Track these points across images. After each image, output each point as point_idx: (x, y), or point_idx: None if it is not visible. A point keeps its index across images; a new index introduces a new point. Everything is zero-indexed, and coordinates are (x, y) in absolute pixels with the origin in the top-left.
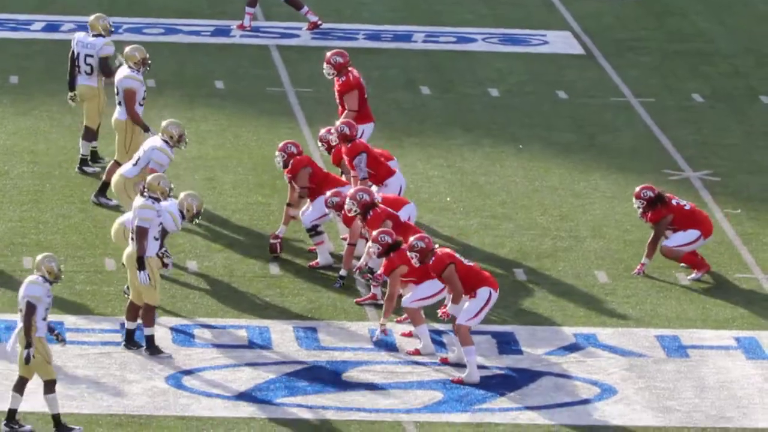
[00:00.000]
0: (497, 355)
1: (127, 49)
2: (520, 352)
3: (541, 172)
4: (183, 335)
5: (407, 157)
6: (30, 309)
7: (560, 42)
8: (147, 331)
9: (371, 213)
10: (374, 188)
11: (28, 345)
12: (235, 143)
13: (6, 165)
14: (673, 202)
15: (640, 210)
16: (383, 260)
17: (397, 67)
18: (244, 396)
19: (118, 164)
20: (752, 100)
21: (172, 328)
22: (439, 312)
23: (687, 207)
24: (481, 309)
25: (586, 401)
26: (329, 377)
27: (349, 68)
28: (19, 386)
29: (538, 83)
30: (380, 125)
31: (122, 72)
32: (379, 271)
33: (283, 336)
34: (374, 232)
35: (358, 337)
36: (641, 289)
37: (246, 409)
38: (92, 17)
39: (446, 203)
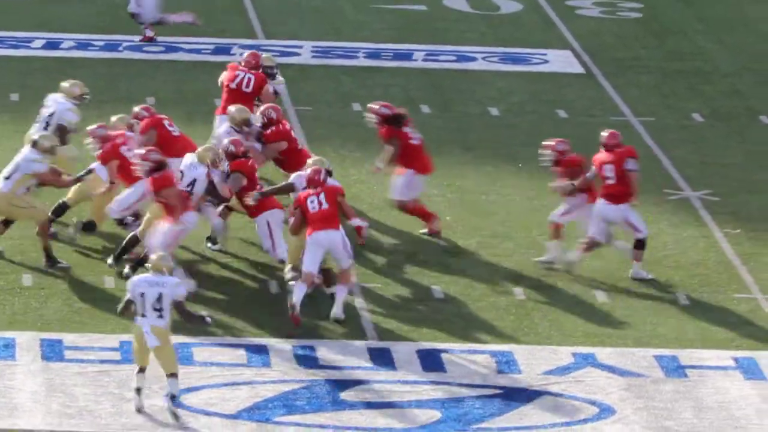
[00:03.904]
0: (496, 374)
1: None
2: (518, 371)
3: (540, 191)
4: (182, 354)
5: None
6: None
7: (560, 61)
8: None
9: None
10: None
11: None
12: None
13: None
14: (407, 131)
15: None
16: None
17: (398, 85)
18: (243, 414)
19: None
20: (752, 120)
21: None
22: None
23: (415, 142)
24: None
25: (584, 421)
26: (327, 396)
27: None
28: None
29: (539, 102)
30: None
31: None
32: None
33: (281, 354)
34: None
35: (357, 355)
36: (640, 309)
37: (244, 428)
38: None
39: (446, 222)
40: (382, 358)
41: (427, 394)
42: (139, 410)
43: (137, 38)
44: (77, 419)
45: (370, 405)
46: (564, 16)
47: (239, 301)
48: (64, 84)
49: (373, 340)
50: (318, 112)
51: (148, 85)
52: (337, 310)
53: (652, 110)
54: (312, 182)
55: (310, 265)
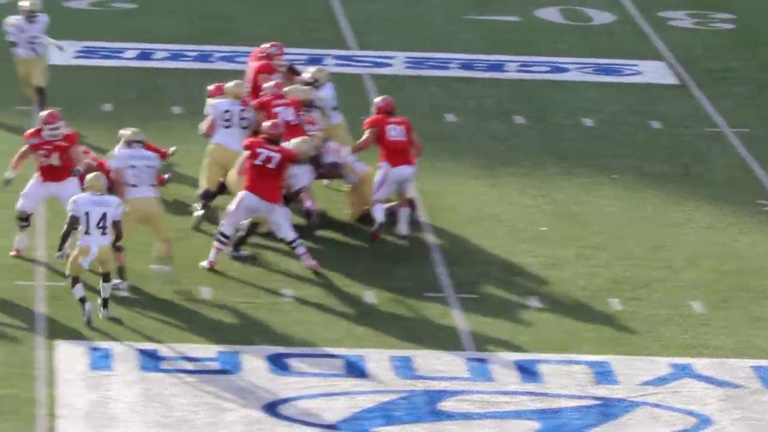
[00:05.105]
0: (593, 385)
1: None
2: (615, 381)
3: (635, 202)
4: (279, 364)
5: (502, 186)
6: None
7: (653, 72)
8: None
9: None
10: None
11: None
12: None
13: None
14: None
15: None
16: None
17: (491, 96)
18: (341, 425)
19: None
20: None
21: (267, 357)
22: None
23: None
24: None
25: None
26: (425, 406)
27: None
28: None
29: (632, 113)
30: (475, 155)
31: None
32: None
33: (378, 364)
34: None
35: (455, 366)
36: (737, 320)
37: None
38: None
39: (541, 233)
40: (479, 368)
41: (525, 404)
42: (89, 323)
43: (228, 48)
44: (174, 429)
45: (467, 416)
46: (656, 27)
47: (336, 311)
48: (229, 85)
49: (471, 350)
50: (411, 123)
51: None
52: (402, 227)
53: (746, 121)
54: None
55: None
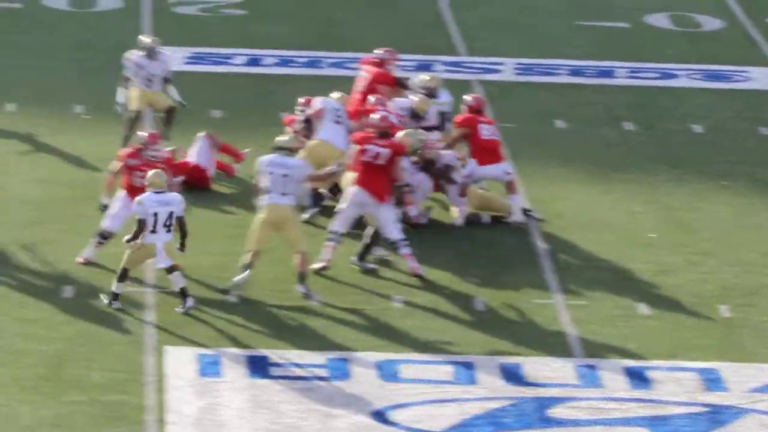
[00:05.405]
0: (702, 392)
1: None
2: (725, 388)
3: (746, 208)
4: (388, 370)
5: (612, 193)
6: None
7: (763, 78)
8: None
9: None
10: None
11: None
12: None
13: (211, 197)
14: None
15: None
16: None
17: (600, 103)
18: None
19: None
20: None
21: (377, 363)
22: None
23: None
24: None
25: None
26: (535, 413)
27: None
28: None
29: (741, 120)
30: (584, 161)
31: None
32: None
33: (488, 371)
34: None
35: (564, 372)
36: None
37: None
38: None
39: (651, 239)
40: (588, 374)
41: (634, 411)
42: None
43: (338, 55)
44: None
45: (577, 422)
46: (765, 34)
47: (445, 318)
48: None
49: (580, 356)
50: (521, 129)
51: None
52: (516, 215)
53: None
54: None
55: None
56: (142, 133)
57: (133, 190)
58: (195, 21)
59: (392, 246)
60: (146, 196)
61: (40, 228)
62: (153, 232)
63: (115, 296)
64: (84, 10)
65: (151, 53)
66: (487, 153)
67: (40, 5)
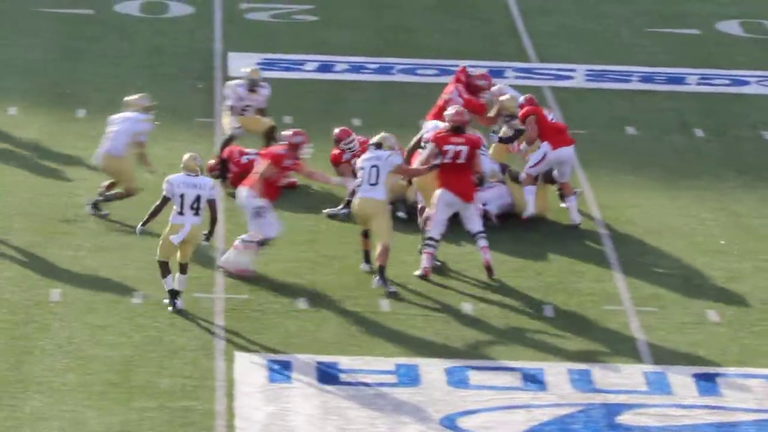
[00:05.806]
0: None
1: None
2: None
3: None
4: (457, 377)
5: (681, 199)
6: None
7: None
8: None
9: None
10: None
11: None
12: None
13: (282, 203)
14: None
15: None
16: None
17: (672, 109)
18: None
19: None
20: None
21: (446, 370)
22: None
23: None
24: None
25: None
26: (604, 420)
27: None
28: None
29: None
30: (655, 167)
31: None
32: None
33: (557, 377)
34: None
35: (633, 379)
36: None
37: None
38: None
39: (720, 246)
40: (657, 381)
41: (702, 418)
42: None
43: (409, 61)
44: None
45: (646, 429)
46: None
47: (514, 324)
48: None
49: (649, 363)
50: (592, 135)
51: (418, 108)
52: (575, 215)
53: None
54: None
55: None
56: (287, 133)
57: (274, 192)
58: (266, 27)
59: (472, 237)
60: (176, 176)
61: (114, 234)
62: (180, 213)
63: (172, 295)
64: (156, 16)
65: (252, 85)
66: (559, 134)
67: (113, 11)
